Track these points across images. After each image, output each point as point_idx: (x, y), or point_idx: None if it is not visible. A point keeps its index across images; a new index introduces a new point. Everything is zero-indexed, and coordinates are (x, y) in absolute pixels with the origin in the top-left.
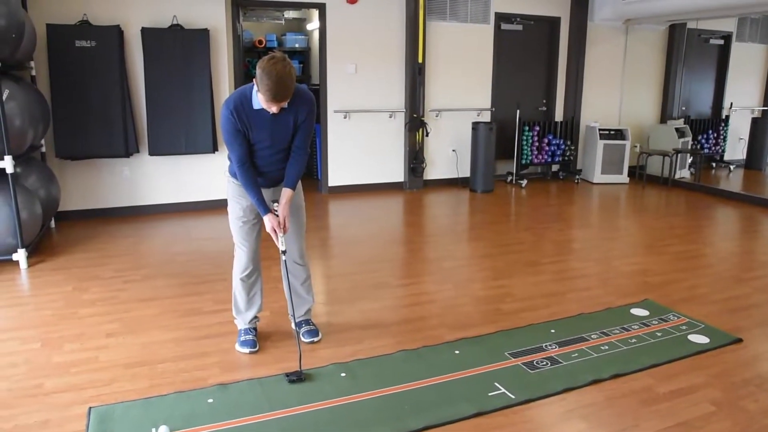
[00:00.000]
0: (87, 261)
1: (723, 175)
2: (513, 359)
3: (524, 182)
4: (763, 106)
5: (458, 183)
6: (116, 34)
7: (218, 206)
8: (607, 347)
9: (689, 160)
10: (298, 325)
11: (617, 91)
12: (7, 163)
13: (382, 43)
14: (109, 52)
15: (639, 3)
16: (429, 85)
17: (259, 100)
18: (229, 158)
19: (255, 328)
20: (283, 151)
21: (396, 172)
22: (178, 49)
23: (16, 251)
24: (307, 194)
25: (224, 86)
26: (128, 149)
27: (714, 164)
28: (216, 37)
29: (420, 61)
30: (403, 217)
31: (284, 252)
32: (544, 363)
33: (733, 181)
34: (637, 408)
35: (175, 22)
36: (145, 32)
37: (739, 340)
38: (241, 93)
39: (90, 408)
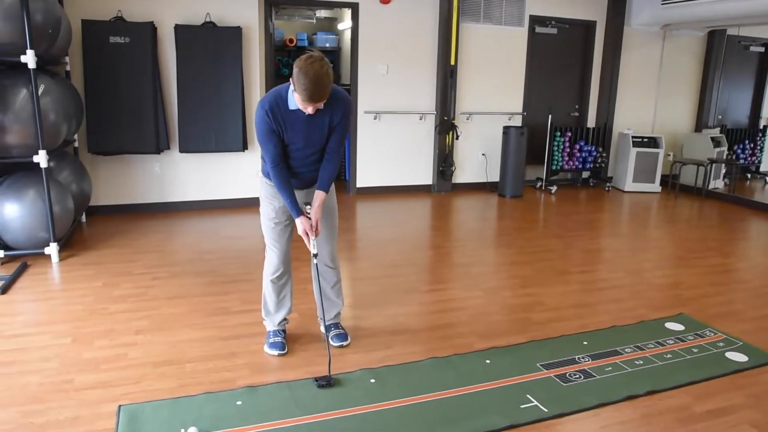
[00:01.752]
0: (118, 256)
1: (758, 186)
2: (545, 371)
3: (554, 188)
4: None
5: (487, 187)
6: (150, 30)
7: (247, 204)
8: (641, 362)
9: (723, 171)
10: (327, 328)
11: (652, 99)
12: (42, 158)
13: (415, 44)
14: (143, 48)
15: (679, 8)
16: (460, 88)
17: (295, 100)
18: (263, 158)
19: (284, 330)
20: (318, 152)
21: (425, 175)
22: (210, 46)
23: (49, 245)
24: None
25: (255, 85)
26: (159, 146)
27: (749, 175)
28: (248, 35)
29: (452, 63)
30: (431, 221)
31: (315, 255)
32: (577, 376)
33: None
34: (673, 427)
35: (208, 20)
36: (179, 29)
37: None
38: (277, 93)
39: (120, 406)
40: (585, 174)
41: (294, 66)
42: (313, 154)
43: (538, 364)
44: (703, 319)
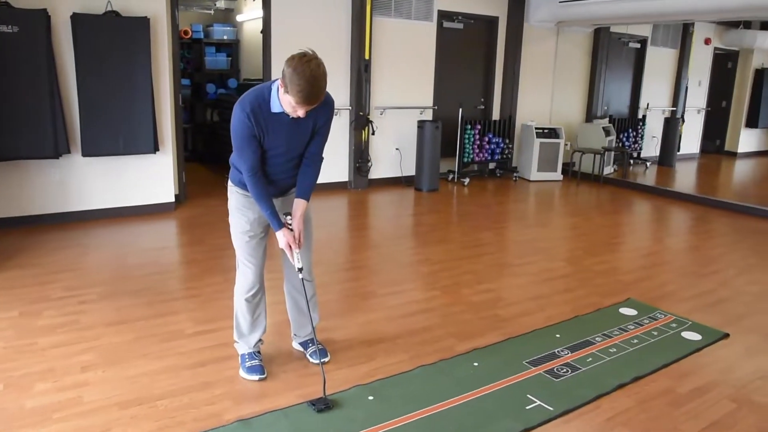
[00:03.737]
0: (28, 279)
1: (640, 171)
2: (533, 368)
3: (467, 180)
4: (673, 107)
5: (402, 182)
6: (43, 19)
7: (161, 210)
8: (615, 350)
9: (612, 158)
10: (304, 345)
11: (548, 91)
12: None
13: (328, 38)
14: (35, 39)
15: (574, 6)
16: (374, 83)
17: (283, 102)
18: (233, 164)
19: (259, 352)
20: (297, 158)
21: (341, 172)
22: (114, 38)
23: None
24: None
25: (165, 80)
26: (58, 150)
27: (631, 161)
28: (156, 26)
29: (366, 57)
30: (360, 220)
31: (301, 269)
32: (565, 370)
33: (653, 177)
34: (668, 411)
35: (109, 8)
36: (77, 18)
37: (727, 335)
38: (258, 94)
39: None
40: (491, 165)
41: (285, 65)
42: (293, 159)
43: (524, 362)
44: (648, 302)
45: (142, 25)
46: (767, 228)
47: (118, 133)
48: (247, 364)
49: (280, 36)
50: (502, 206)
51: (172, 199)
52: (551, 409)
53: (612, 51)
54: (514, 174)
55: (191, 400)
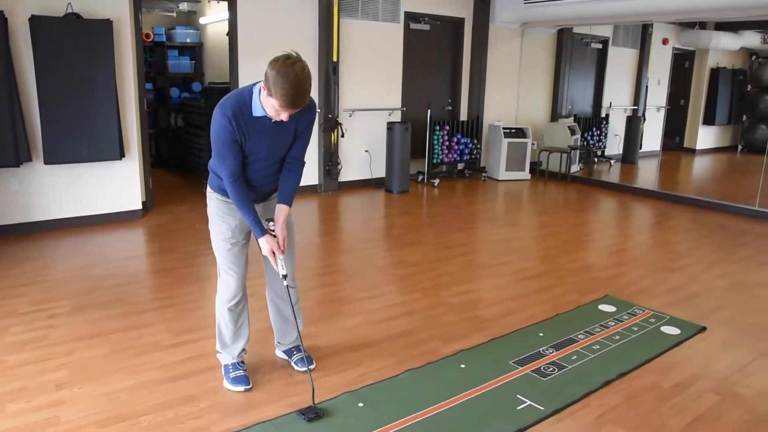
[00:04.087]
0: None
1: (605, 169)
2: (520, 368)
3: (437, 181)
4: (634, 106)
5: (372, 184)
6: None
7: (127, 218)
8: (598, 346)
9: (578, 156)
10: (288, 353)
11: (514, 91)
12: None
13: (296, 39)
14: None
15: (538, 7)
16: (342, 85)
17: (266, 105)
18: (212, 170)
19: (243, 362)
20: (278, 162)
21: (311, 175)
22: (76, 41)
23: None
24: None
25: (130, 84)
26: (18, 158)
27: (596, 159)
28: (119, 29)
29: (334, 59)
30: (332, 223)
31: (285, 276)
32: (552, 369)
33: (617, 175)
34: (656, 406)
35: (70, 11)
36: (35, 21)
37: (704, 329)
38: (239, 97)
39: None
40: (460, 165)
41: (268, 68)
42: (274, 164)
43: (510, 362)
44: (625, 298)
45: (104, 27)
46: (729, 222)
47: (82, 139)
48: (231, 374)
49: (247, 38)
50: (473, 206)
51: (140, 207)
52: (542, 408)
53: (575, 51)
54: (483, 174)
55: (175, 415)
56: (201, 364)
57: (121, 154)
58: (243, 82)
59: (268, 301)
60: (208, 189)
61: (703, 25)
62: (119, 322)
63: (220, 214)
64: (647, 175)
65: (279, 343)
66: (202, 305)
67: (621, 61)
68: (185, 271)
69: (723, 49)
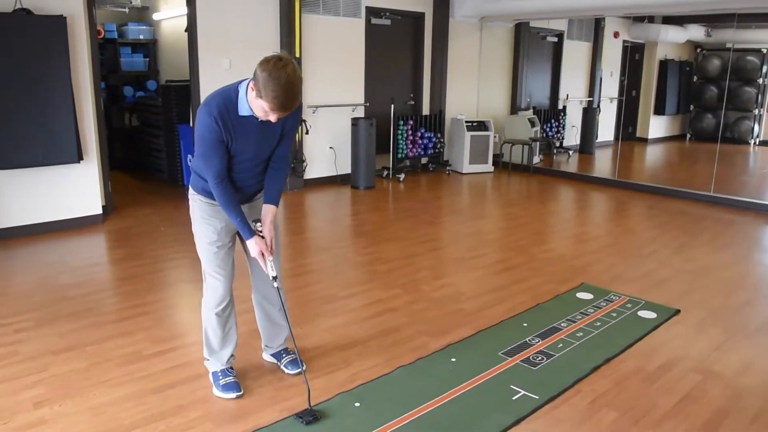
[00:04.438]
0: None
1: (564, 160)
2: (510, 359)
3: (402, 176)
4: (589, 97)
5: (338, 180)
6: None
7: (88, 224)
8: (581, 334)
9: (538, 148)
10: (276, 356)
11: (474, 85)
12: None
13: (257, 36)
14: None
15: (496, 2)
16: (305, 81)
17: (255, 106)
18: (195, 171)
19: (232, 368)
20: (264, 162)
21: None
22: (27, 38)
23: None
24: (176, 204)
25: (86, 84)
26: None
27: (554, 150)
28: (74, 26)
29: (297, 55)
30: (302, 221)
31: (276, 278)
32: (540, 358)
33: (576, 165)
34: (644, 388)
35: (19, 6)
36: None
37: (678, 312)
38: (225, 96)
39: None
40: (424, 160)
41: (258, 69)
42: (260, 164)
43: (499, 353)
44: (601, 285)
45: (58, 24)
46: (688, 208)
47: (36, 142)
48: (221, 381)
49: (207, 34)
50: (441, 200)
51: (100, 211)
52: (536, 397)
53: (532, 45)
54: (447, 167)
55: (167, 427)
56: (186, 372)
57: (79, 157)
58: (204, 79)
59: (255, 304)
60: (191, 191)
61: (651, 19)
62: (93, 333)
63: (205, 217)
64: (604, 164)
65: (267, 346)
66: (178, 311)
67: (576, 54)
68: (155, 277)
69: (670, 42)
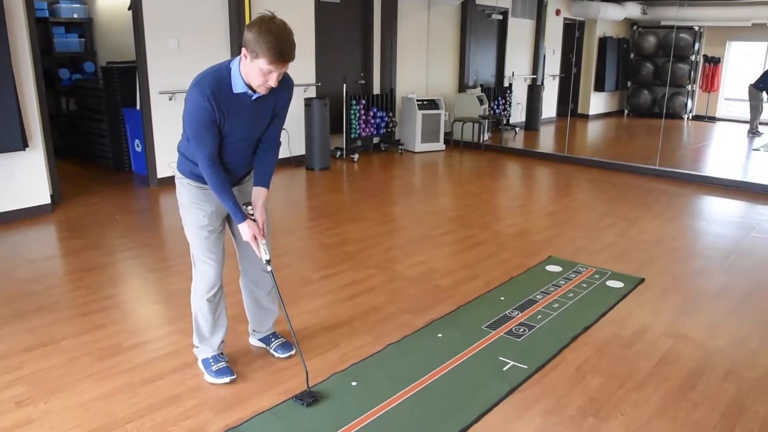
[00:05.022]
0: None
1: (511, 136)
2: (493, 332)
3: (356, 157)
4: (533, 75)
5: (292, 162)
6: None
7: (34, 215)
8: (557, 305)
9: (486, 125)
10: (265, 340)
11: (423, 64)
12: None
13: (205, 15)
14: None
15: None
16: None
17: (252, 74)
18: (182, 154)
19: (223, 353)
20: (255, 143)
21: None
22: None
23: None
24: (125, 191)
25: (27, 67)
26: None
27: (500, 127)
28: (10, 6)
29: None
30: None
31: (269, 261)
32: (523, 330)
33: (523, 141)
34: (623, 353)
35: None
36: None
37: (643, 280)
38: (217, 74)
39: None
40: (375, 139)
41: (246, 32)
42: (251, 145)
43: (483, 327)
44: (567, 257)
45: None
46: (636, 182)
47: None
48: (213, 367)
49: (153, 13)
50: (397, 180)
51: (48, 201)
52: (525, 367)
53: (478, 23)
54: (400, 147)
55: (164, 418)
56: (173, 362)
57: (24, 144)
58: (152, 60)
59: (243, 288)
60: (179, 175)
61: None
62: (65, 328)
63: (195, 201)
64: (550, 140)
65: (255, 331)
66: (149, 301)
67: (520, 31)
68: (118, 267)
69: (609, 19)
